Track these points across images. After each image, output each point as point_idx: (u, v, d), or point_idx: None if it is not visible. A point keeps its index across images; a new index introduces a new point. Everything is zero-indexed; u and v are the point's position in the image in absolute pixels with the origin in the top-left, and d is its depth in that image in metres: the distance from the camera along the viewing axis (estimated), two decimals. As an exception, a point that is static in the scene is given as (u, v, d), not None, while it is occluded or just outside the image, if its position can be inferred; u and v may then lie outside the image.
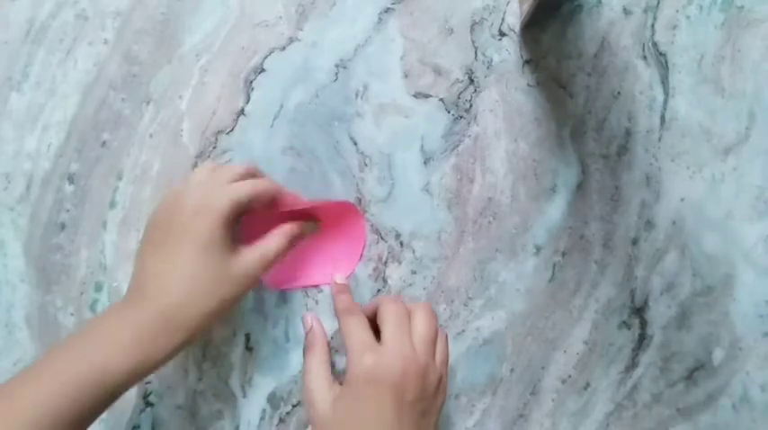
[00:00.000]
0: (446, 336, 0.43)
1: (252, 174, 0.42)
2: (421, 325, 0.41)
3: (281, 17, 0.46)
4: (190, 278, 0.37)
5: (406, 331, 0.40)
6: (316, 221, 0.45)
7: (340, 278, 0.45)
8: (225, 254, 0.38)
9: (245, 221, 0.44)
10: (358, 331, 0.41)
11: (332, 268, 0.46)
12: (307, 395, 0.41)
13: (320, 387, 0.41)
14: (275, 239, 0.41)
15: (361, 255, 0.46)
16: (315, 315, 0.46)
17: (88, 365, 0.35)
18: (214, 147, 0.46)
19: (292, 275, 0.46)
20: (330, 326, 0.46)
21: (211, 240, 0.37)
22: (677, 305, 0.47)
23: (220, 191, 0.38)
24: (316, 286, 0.46)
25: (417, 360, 0.39)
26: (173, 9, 0.46)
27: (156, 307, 0.36)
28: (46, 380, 0.34)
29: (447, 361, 0.42)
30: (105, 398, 0.35)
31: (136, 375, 0.35)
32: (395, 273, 0.46)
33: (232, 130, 0.46)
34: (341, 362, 0.46)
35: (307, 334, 0.45)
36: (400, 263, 0.46)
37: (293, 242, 0.42)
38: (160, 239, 0.38)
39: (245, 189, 0.39)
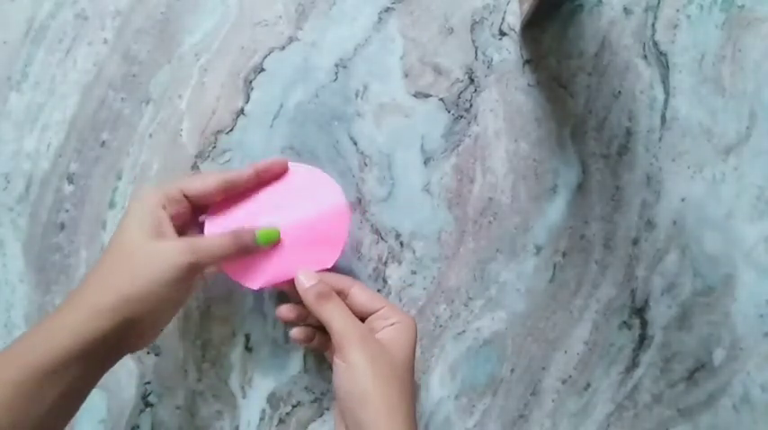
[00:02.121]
0: None
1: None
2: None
3: (280, 17, 0.46)
4: (116, 261, 0.36)
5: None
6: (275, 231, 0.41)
7: (306, 279, 0.40)
8: (151, 237, 0.37)
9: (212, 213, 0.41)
10: (346, 323, 0.39)
11: (313, 259, 0.42)
12: (339, 342, 0.37)
13: (354, 328, 0.38)
14: (216, 237, 0.39)
15: (346, 238, 0.42)
16: (311, 273, 0.41)
17: (57, 352, 0.34)
18: (214, 147, 0.46)
19: (267, 272, 0.42)
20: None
21: (136, 226, 0.37)
22: (678, 305, 0.46)
23: (149, 188, 0.39)
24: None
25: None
26: (172, 9, 0.46)
27: (75, 304, 0.35)
28: (16, 367, 0.33)
29: None
30: (75, 388, 0.34)
31: (78, 360, 0.34)
32: (395, 274, 0.46)
33: (231, 130, 0.46)
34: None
35: (311, 289, 0.40)
36: (400, 263, 0.46)
37: (240, 247, 0.39)
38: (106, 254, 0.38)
39: (174, 183, 0.39)
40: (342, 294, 0.41)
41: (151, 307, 0.36)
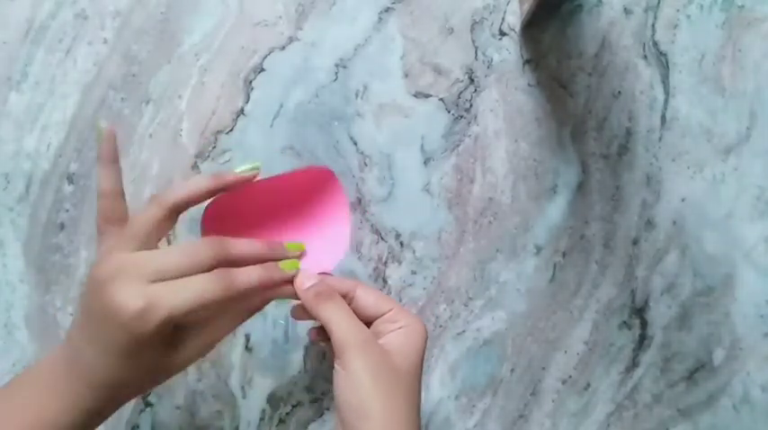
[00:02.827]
0: None
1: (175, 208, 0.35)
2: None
3: (280, 17, 0.46)
4: (120, 377, 0.32)
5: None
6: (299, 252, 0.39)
7: (307, 279, 0.37)
8: (156, 353, 0.32)
9: (211, 209, 0.39)
10: (348, 328, 0.35)
11: (314, 261, 0.40)
12: (339, 347, 0.34)
13: (355, 333, 0.35)
14: (227, 322, 0.35)
15: (348, 241, 0.42)
16: (311, 274, 0.38)
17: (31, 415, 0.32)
18: (213, 147, 0.46)
19: None
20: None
21: (134, 350, 0.31)
22: (678, 305, 0.46)
23: (133, 293, 0.31)
24: None
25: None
26: (172, 9, 0.46)
27: (91, 385, 0.32)
28: None
29: None
30: None
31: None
32: (395, 274, 0.46)
33: (231, 130, 0.46)
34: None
35: (311, 290, 0.37)
36: (400, 263, 0.46)
37: (252, 311, 0.37)
38: (90, 329, 0.32)
39: (176, 295, 0.31)
40: (347, 298, 0.38)
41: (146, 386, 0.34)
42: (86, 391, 0.32)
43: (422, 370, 0.36)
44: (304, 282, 0.37)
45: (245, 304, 0.36)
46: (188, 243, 0.33)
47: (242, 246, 0.35)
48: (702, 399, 0.46)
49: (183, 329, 0.33)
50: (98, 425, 0.33)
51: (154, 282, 0.31)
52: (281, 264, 0.36)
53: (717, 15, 0.47)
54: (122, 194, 0.36)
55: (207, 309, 0.32)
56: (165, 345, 0.32)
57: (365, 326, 0.36)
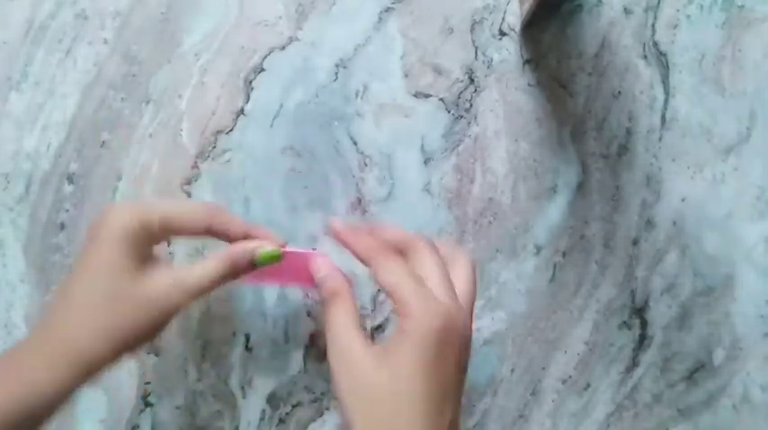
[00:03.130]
0: (467, 256, 0.36)
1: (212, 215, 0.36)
2: (464, 281, 0.34)
3: (280, 17, 0.46)
4: (82, 306, 0.32)
5: (422, 289, 0.32)
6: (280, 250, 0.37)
7: (324, 266, 0.36)
8: (125, 277, 0.32)
9: None
10: (345, 330, 0.33)
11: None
12: (335, 355, 0.32)
13: (353, 343, 0.31)
14: (208, 263, 0.34)
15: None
16: (329, 260, 0.37)
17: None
18: (214, 147, 0.46)
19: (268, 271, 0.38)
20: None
21: (105, 263, 0.32)
22: (678, 305, 0.46)
23: (126, 208, 0.33)
24: (294, 286, 0.45)
25: (452, 311, 0.31)
26: (172, 9, 0.46)
27: (48, 341, 0.32)
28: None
29: (474, 290, 0.35)
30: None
31: (32, 413, 0.31)
32: (395, 274, 0.46)
33: (232, 130, 0.46)
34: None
35: (324, 282, 0.35)
36: (400, 263, 0.46)
37: (238, 270, 0.35)
38: (71, 271, 0.34)
39: (162, 206, 0.34)
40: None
41: (135, 342, 0.33)
42: (66, 353, 0.31)
43: (437, 378, 0.31)
44: (321, 270, 0.36)
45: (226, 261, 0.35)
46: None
47: (232, 224, 0.37)
48: (702, 399, 0.46)
49: (149, 273, 0.33)
50: (68, 399, 0.32)
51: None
52: (260, 254, 0.36)
53: (717, 15, 0.47)
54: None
55: (187, 227, 0.35)
56: (132, 274, 0.32)
57: (355, 331, 0.32)
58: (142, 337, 0.33)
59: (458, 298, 0.32)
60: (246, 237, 0.37)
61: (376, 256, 0.34)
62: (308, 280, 0.37)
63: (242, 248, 0.36)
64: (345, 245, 0.36)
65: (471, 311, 0.34)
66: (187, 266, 0.35)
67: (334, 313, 0.33)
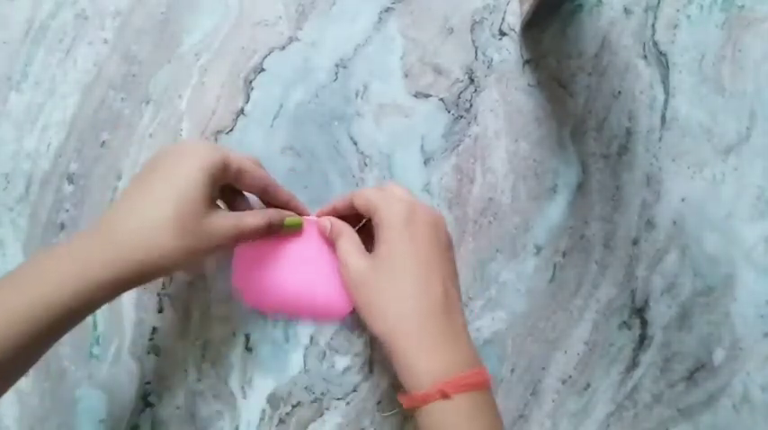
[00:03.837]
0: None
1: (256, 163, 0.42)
2: (396, 189, 0.41)
3: (280, 17, 0.46)
4: (156, 219, 0.35)
5: (390, 195, 0.40)
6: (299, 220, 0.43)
7: (326, 223, 0.43)
8: (199, 207, 0.36)
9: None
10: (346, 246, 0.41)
11: (323, 307, 0.44)
12: (345, 272, 0.40)
13: (354, 259, 0.40)
14: (255, 215, 0.39)
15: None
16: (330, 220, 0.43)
17: (27, 298, 0.33)
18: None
19: (274, 301, 0.44)
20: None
21: (189, 188, 0.35)
22: (678, 305, 0.46)
23: (213, 146, 0.38)
24: (300, 318, 0.46)
25: (426, 205, 0.40)
26: (172, 9, 0.46)
27: (111, 238, 0.35)
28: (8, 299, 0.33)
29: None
30: (50, 331, 0.34)
31: (78, 310, 0.34)
32: (395, 274, 0.46)
33: (232, 130, 0.46)
34: (341, 362, 0.46)
35: (332, 227, 0.42)
36: (400, 263, 0.46)
37: (271, 229, 0.40)
38: (143, 176, 0.37)
39: (237, 156, 0.38)
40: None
41: (186, 264, 0.37)
42: (118, 260, 0.34)
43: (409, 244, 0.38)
44: (326, 227, 0.43)
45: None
46: (242, 156, 0.39)
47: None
48: (702, 399, 0.46)
49: (216, 210, 0.38)
50: (109, 300, 0.35)
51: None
52: (287, 220, 0.42)
53: (717, 15, 0.47)
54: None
55: (252, 184, 0.40)
56: (204, 206, 0.36)
57: (356, 252, 0.40)
58: (193, 263, 0.40)
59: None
60: (287, 205, 0.43)
61: (350, 196, 0.42)
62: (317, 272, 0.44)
63: (278, 212, 0.42)
64: (334, 212, 0.43)
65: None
66: (239, 213, 0.39)
67: (341, 243, 0.41)
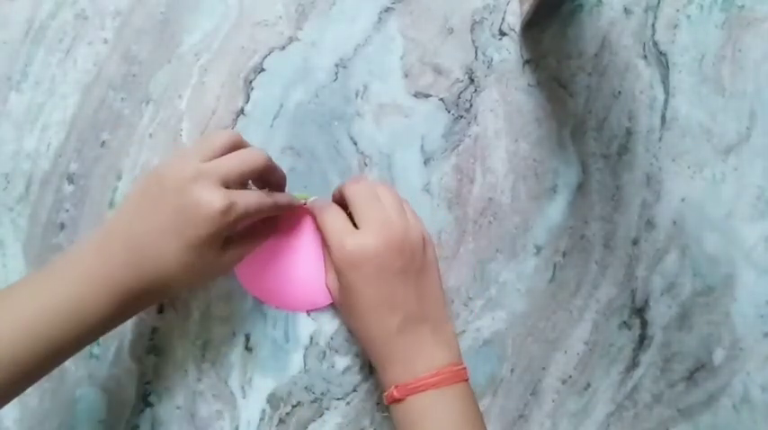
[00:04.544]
0: (406, 201, 0.44)
1: (237, 145, 0.41)
2: (386, 196, 0.42)
3: (280, 17, 0.46)
4: (182, 264, 0.37)
5: (376, 204, 0.41)
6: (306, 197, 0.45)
7: (317, 200, 0.45)
8: (215, 251, 0.38)
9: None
10: (334, 220, 0.42)
11: (311, 294, 0.45)
12: (329, 244, 0.41)
13: (340, 231, 0.41)
14: (254, 238, 0.42)
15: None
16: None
17: (67, 293, 0.35)
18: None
19: (267, 289, 0.45)
20: (330, 327, 0.46)
21: (207, 242, 0.37)
22: (678, 305, 0.46)
23: (220, 196, 0.37)
24: (288, 309, 0.46)
25: (394, 226, 0.40)
26: (172, 8, 0.46)
27: (142, 275, 0.37)
28: (24, 303, 0.35)
29: (419, 218, 0.44)
30: (81, 333, 0.36)
31: (111, 318, 0.37)
32: (395, 274, 0.46)
33: (232, 130, 0.46)
34: (341, 362, 0.46)
35: (315, 203, 0.44)
36: (400, 263, 0.46)
37: (280, 209, 0.42)
38: (153, 214, 0.37)
39: (245, 200, 0.38)
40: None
41: (190, 282, 0.39)
42: (133, 279, 0.36)
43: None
44: (313, 200, 0.45)
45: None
46: (243, 152, 0.40)
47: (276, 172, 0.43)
48: (702, 399, 0.46)
49: (229, 239, 0.39)
50: (122, 322, 0.38)
51: (225, 185, 0.37)
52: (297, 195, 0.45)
53: (717, 15, 0.47)
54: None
55: (258, 215, 0.39)
56: (220, 247, 0.38)
57: (349, 224, 0.42)
58: (197, 285, 0.44)
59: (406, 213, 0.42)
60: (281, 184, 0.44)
61: (340, 188, 0.44)
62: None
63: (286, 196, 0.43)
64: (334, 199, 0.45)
65: (404, 215, 0.42)
66: (246, 242, 0.41)
67: (324, 216, 0.43)
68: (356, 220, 0.41)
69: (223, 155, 0.39)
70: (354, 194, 0.42)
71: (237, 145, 0.40)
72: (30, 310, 0.35)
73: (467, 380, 0.41)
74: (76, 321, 0.35)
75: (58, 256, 0.41)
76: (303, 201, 0.44)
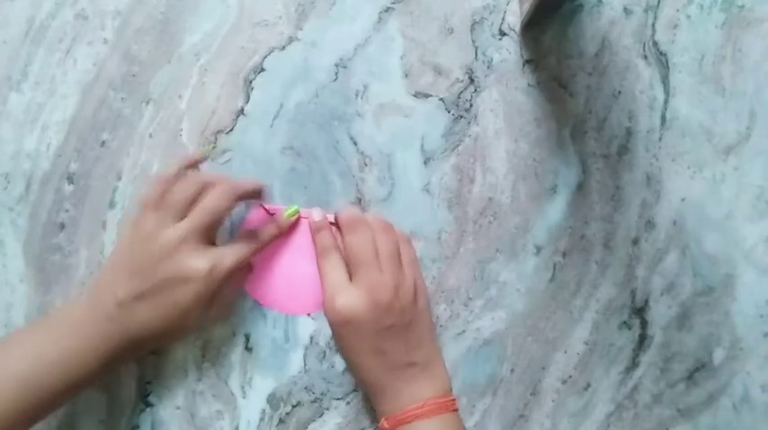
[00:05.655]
0: (407, 239, 0.45)
1: (202, 186, 0.41)
2: (382, 243, 0.43)
3: (280, 17, 0.46)
4: (169, 323, 0.39)
5: (370, 261, 0.42)
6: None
7: (318, 215, 0.45)
8: (201, 309, 0.40)
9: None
10: (331, 271, 0.43)
11: (311, 298, 0.46)
12: (327, 303, 0.43)
13: (334, 285, 0.43)
14: (238, 282, 0.44)
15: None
16: (324, 214, 0.45)
17: (59, 347, 0.37)
18: (213, 147, 0.46)
19: (267, 293, 0.46)
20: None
21: (194, 302, 0.39)
22: (678, 305, 0.46)
23: (202, 258, 0.39)
24: (290, 313, 0.46)
25: (384, 287, 0.41)
26: (172, 8, 0.46)
27: (130, 331, 0.39)
28: (17, 356, 0.37)
29: (416, 259, 0.45)
30: (72, 384, 0.38)
31: (100, 369, 0.38)
32: (395, 274, 0.46)
33: (231, 130, 0.46)
34: (341, 362, 0.46)
35: (315, 236, 0.45)
36: (400, 263, 0.46)
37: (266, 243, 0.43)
38: (141, 277, 0.39)
39: (226, 258, 0.40)
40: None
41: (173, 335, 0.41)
42: (122, 335, 0.38)
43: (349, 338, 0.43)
44: (317, 230, 0.45)
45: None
46: (211, 195, 0.40)
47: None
48: (702, 399, 0.46)
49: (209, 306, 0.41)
50: (112, 371, 0.40)
51: (208, 236, 0.40)
52: (286, 213, 0.44)
53: (717, 15, 0.47)
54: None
55: (245, 262, 0.41)
56: (204, 310, 0.40)
57: (344, 277, 0.43)
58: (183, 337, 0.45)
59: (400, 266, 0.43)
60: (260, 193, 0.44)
61: (337, 215, 0.45)
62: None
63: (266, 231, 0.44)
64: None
65: (397, 265, 0.43)
66: (226, 299, 0.43)
67: (323, 262, 0.44)
68: (350, 271, 0.43)
69: (194, 199, 0.40)
70: (351, 244, 0.43)
71: (203, 186, 0.41)
72: (23, 363, 0.37)
73: (455, 410, 0.42)
74: (68, 373, 0.37)
75: (50, 312, 0.44)
76: (295, 217, 0.45)
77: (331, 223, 0.45)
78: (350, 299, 0.42)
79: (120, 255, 0.40)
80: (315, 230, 0.45)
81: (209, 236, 0.41)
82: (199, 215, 0.39)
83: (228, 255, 0.40)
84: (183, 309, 0.39)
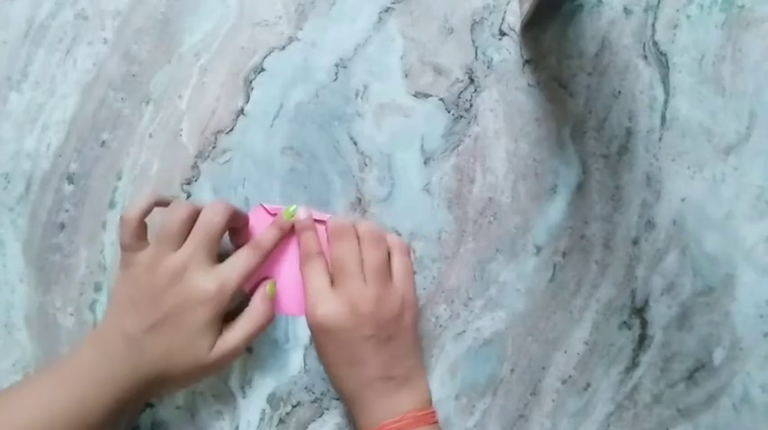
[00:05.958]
0: (405, 250, 0.44)
1: (193, 212, 0.41)
2: (368, 254, 0.42)
3: (280, 17, 0.46)
4: (181, 351, 0.39)
5: (353, 272, 0.42)
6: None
7: (303, 212, 0.44)
8: (213, 338, 0.39)
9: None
10: (314, 277, 0.43)
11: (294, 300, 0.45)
12: (308, 310, 0.42)
13: (316, 293, 0.42)
14: (257, 310, 0.42)
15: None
16: (310, 213, 0.44)
17: (68, 395, 0.37)
18: (213, 147, 0.46)
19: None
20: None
21: (208, 324, 0.39)
22: (678, 305, 0.46)
23: (209, 277, 0.39)
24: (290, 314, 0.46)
25: (365, 299, 0.41)
26: (172, 8, 0.46)
27: (142, 369, 0.38)
28: (26, 405, 0.36)
29: (409, 273, 0.44)
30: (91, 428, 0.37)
31: (111, 416, 0.38)
32: (395, 274, 0.46)
33: (231, 130, 0.46)
34: (341, 362, 0.46)
35: (299, 238, 0.44)
36: (400, 263, 0.46)
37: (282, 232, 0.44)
38: (150, 309, 0.39)
39: (233, 273, 0.40)
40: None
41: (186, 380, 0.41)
42: (134, 375, 0.38)
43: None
44: (302, 231, 0.44)
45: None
46: (203, 218, 0.40)
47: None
48: (702, 399, 0.46)
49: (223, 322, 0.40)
50: (122, 419, 0.40)
51: (211, 255, 0.40)
52: (286, 214, 0.44)
53: (717, 15, 0.47)
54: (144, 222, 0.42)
55: (252, 274, 0.41)
56: (217, 333, 0.39)
57: (327, 284, 0.43)
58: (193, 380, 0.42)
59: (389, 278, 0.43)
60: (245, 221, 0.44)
61: (331, 222, 0.44)
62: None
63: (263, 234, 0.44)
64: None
65: (383, 278, 0.42)
66: (243, 318, 0.41)
67: (306, 268, 0.43)
68: (332, 279, 0.43)
69: (189, 228, 0.40)
70: (336, 252, 0.43)
71: (193, 209, 0.41)
72: (36, 411, 0.36)
73: (434, 423, 0.42)
74: (81, 420, 0.37)
75: (57, 359, 0.43)
76: (291, 218, 0.44)
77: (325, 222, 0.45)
78: (329, 307, 0.41)
79: (122, 294, 0.39)
80: (299, 231, 0.44)
81: (212, 253, 0.40)
82: (200, 235, 0.39)
83: (235, 269, 0.40)
84: (195, 333, 0.38)
